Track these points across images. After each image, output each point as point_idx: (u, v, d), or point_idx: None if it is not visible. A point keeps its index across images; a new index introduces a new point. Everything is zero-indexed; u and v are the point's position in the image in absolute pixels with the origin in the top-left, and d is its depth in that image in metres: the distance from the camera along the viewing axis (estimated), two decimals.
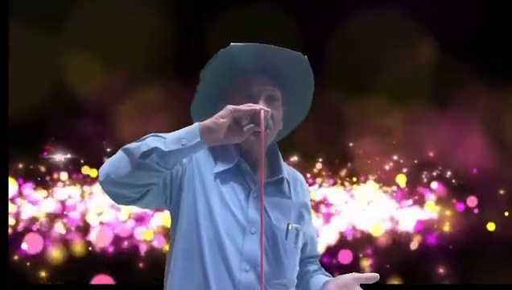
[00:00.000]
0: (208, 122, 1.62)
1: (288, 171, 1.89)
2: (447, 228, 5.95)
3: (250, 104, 1.66)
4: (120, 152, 1.63)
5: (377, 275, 1.75)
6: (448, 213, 5.98)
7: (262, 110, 1.64)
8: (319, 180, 6.04)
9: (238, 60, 1.78)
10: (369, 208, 6.02)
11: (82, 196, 5.77)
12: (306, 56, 1.82)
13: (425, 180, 6.03)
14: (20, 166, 5.69)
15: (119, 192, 1.65)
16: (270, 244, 1.75)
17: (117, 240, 5.72)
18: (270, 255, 1.75)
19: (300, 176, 1.95)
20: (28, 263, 5.56)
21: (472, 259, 5.53)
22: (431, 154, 5.84)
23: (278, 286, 1.77)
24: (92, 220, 5.74)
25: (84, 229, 5.71)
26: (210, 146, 1.66)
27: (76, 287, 5.59)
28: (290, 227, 1.79)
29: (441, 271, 5.82)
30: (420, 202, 6.02)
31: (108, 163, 1.64)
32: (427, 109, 5.49)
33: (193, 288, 1.70)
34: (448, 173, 5.97)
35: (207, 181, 1.75)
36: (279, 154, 1.88)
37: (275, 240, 1.77)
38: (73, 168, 5.81)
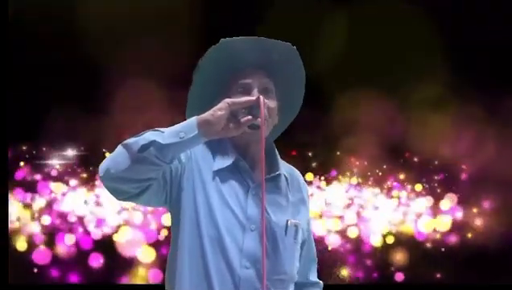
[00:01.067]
0: (206, 114, 1.63)
1: (285, 167, 1.90)
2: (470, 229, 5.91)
3: (247, 97, 1.67)
4: (119, 147, 1.65)
5: None
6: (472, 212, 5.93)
7: (261, 96, 1.66)
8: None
9: (230, 54, 1.79)
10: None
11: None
12: (295, 47, 1.85)
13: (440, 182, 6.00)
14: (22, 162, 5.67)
15: (119, 187, 1.66)
16: (269, 240, 1.76)
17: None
18: (270, 251, 1.76)
19: (297, 172, 1.96)
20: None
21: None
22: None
23: (278, 282, 1.78)
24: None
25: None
26: (208, 139, 1.67)
27: (76, 287, 5.58)
28: (289, 223, 1.80)
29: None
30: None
31: (107, 158, 1.66)
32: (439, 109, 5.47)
33: (197, 285, 1.71)
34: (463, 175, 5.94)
35: (206, 179, 1.77)
36: (276, 150, 1.89)
37: (275, 236, 1.78)
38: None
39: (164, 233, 5.62)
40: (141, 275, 5.59)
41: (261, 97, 1.66)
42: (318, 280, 2.00)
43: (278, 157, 1.88)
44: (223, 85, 1.81)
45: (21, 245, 5.54)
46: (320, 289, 2.00)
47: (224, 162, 1.79)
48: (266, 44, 1.80)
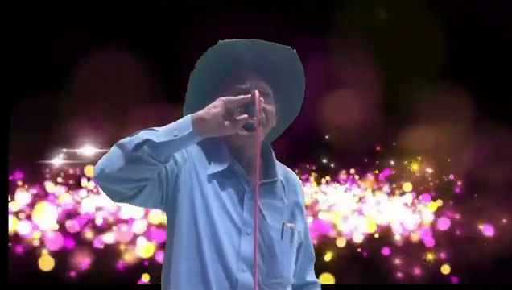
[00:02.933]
0: (201, 112, 1.62)
1: (281, 170, 1.89)
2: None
3: (243, 95, 1.65)
4: (114, 147, 1.63)
5: None
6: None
7: (256, 91, 1.64)
8: None
9: (228, 56, 1.78)
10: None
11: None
12: (294, 50, 1.83)
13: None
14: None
15: (114, 188, 1.65)
16: (266, 244, 1.76)
17: None
18: (267, 255, 1.76)
19: (293, 175, 1.95)
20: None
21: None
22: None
23: (275, 285, 1.78)
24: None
25: None
26: (203, 137, 1.64)
27: (77, 287, 5.57)
28: (285, 227, 1.80)
29: None
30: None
31: (102, 158, 1.64)
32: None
33: (195, 286, 1.71)
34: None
35: (203, 182, 1.76)
36: (273, 153, 1.88)
37: (271, 240, 1.77)
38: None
39: None
40: None
41: (256, 91, 1.65)
42: (316, 279, 1.99)
43: (275, 160, 1.87)
44: (220, 87, 1.80)
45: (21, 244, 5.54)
46: (319, 288, 2.00)
47: (219, 165, 1.78)
48: (264, 47, 1.79)
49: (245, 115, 1.63)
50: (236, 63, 1.79)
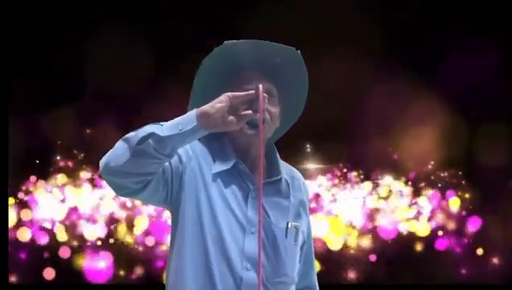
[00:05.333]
0: (206, 106, 1.64)
1: (286, 169, 1.90)
2: None
3: (248, 91, 1.66)
4: (119, 141, 1.65)
5: None
6: None
7: (260, 85, 1.65)
8: None
9: (234, 57, 1.80)
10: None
11: None
12: (299, 51, 1.84)
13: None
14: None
15: (119, 181, 1.66)
16: (270, 243, 1.77)
17: None
18: (271, 254, 1.77)
19: (298, 174, 1.96)
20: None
21: None
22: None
23: (279, 284, 1.78)
24: None
25: None
26: (208, 132, 1.65)
27: (76, 287, 5.58)
28: (289, 225, 1.81)
29: None
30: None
31: (108, 153, 1.66)
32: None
33: (200, 286, 1.72)
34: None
35: (208, 180, 1.77)
36: (277, 153, 1.89)
37: (275, 239, 1.78)
38: None
39: None
40: None
41: (260, 85, 1.65)
42: (315, 284, 1.99)
43: (279, 159, 1.88)
44: (225, 87, 1.79)
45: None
46: None
47: (224, 164, 1.79)
48: (269, 48, 1.81)
49: (250, 111, 1.64)
50: (241, 64, 1.81)
